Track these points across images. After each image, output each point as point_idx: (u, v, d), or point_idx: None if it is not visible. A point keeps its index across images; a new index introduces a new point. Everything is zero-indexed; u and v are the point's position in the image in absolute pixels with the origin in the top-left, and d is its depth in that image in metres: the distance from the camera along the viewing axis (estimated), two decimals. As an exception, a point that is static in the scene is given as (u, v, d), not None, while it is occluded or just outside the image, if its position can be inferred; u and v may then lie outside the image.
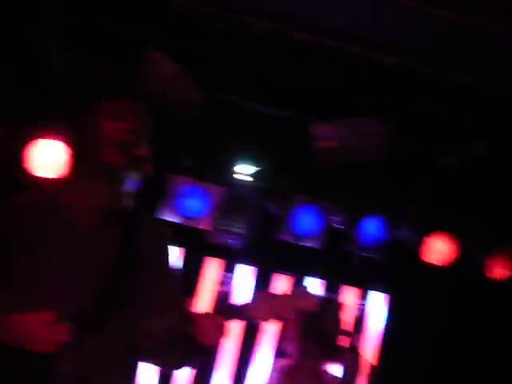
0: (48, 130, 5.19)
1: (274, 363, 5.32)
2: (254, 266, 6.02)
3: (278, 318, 2.80)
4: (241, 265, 6.01)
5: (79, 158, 2.94)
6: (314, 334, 4.95)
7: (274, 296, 2.78)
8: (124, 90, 3.06)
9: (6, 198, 2.95)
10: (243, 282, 6.01)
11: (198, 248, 5.83)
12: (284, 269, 6.11)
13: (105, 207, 2.87)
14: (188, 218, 5.62)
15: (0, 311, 2.78)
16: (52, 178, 3.07)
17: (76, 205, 2.86)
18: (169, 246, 3.01)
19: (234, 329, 5.68)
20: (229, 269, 6.04)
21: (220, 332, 2.74)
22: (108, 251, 2.80)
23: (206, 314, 2.80)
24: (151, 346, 2.83)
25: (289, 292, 2.81)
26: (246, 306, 2.75)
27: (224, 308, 2.84)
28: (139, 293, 2.75)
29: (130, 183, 2.91)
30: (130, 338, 2.82)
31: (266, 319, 2.78)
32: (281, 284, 6.07)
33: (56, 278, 2.76)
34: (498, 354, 6.47)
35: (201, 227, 5.73)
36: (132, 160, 2.81)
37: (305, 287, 2.80)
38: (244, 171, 5.74)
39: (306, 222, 5.90)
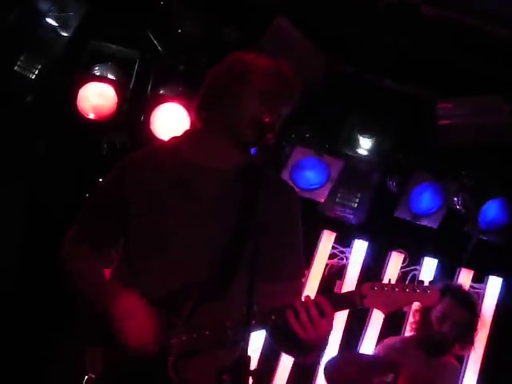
0: (172, 94, 5.26)
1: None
2: (368, 241, 5.93)
3: (394, 310, 2.71)
4: (355, 240, 5.93)
5: (210, 124, 2.89)
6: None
7: (393, 288, 2.67)
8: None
9: (121, 160, 2.97)
10: (357, 257, 5.94)
11: (313, 220, 5.79)
12: (399, 246, 6.00)
13: (229, 171, 2.84)
14: (305, 190, 5.58)
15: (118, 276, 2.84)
16: (173, 140, 3.04)
17: (200, 165, 2.84)
18: (296, 211, 2.94)
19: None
20: (343, 243, 5.98)
21: (322, 326, 2.63)
22: (230, 215, 2.76)
23: (314, 301, 2.67)
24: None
25: (408, 285, 2.69)
26: (359, 296, 2.66)
27: (336, 297, 2.76)
28: (261, 258, 2.67)
29: (254, 150, 2.87)
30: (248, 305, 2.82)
31: (382, 311, 2.69)
32: (396, 261, 5.97)
33: (174, 241, 2.77)
34: None
35: (318, 199, 5.68)
36: (263, 133, 2.75)
37: (423, 282, 2.68)
38: (364, 146, 5.65)
39: (425, 201, 5.78)
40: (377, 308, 2.67)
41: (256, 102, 2.78)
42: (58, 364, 2.80)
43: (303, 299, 2.67)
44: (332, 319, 2.65)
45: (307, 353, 2.73)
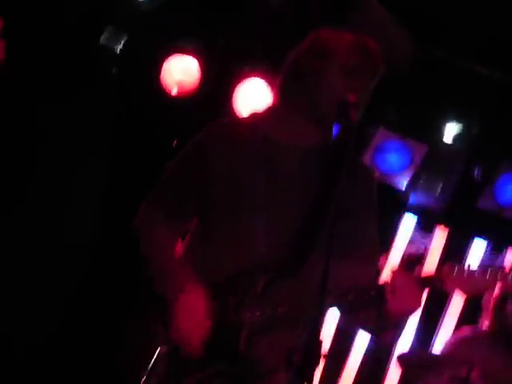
0: (253, 69, 5.24)
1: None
2: (449, 228, 5.83)
3: (474, 294, 2.69)
4: (437, 226, 5.83)
5: (291, 102, 2.86)
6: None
7: (474, 272, 2.62)
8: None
9: (205, 128, 2.97)
10: (438, 244, 5.83)
11: (395, 204, 5.72)
12: (483, 234, 5.88)
13: (311, 150, 2.83)
14: (386, 173, 5.50)
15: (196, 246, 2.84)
16: (254, 116, 3.02)
17: (281, 143, 2.83)
18: (374, 195, 2.91)
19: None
20: (423, 229, 5.89)
21: (415, 299, 2.63)
22: (309, 194, 2.76)
23: (406, 273, 2.69)
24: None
25: (490, 270, 2.63)
26: (439, 277, 2.64)
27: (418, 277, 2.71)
28: (337, 240, 2.63)
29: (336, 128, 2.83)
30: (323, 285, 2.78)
31: (463, 292, 2.66)
32: (478, 250, 5.85)
33: (252, 217, 2.78)
34: None
35: (398, 184, 5.59)
36: (346, 111, 2.69)
37: (504, 268, 2.63)
38: (450, 132, 5.53)
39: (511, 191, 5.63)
40: (457, 289, 2.65)
41: (339, 79, 2.75)
42: (133, 336, 2.83)
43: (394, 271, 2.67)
44: (421, 294, 2.64)
45: (386, 329, 2.73)
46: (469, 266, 2.61)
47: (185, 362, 2.65)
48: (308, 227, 2.74)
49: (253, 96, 5.17)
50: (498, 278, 2.59)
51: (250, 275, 2.71)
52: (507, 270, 2.61)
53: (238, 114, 5.19)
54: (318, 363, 2.27)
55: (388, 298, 2.58)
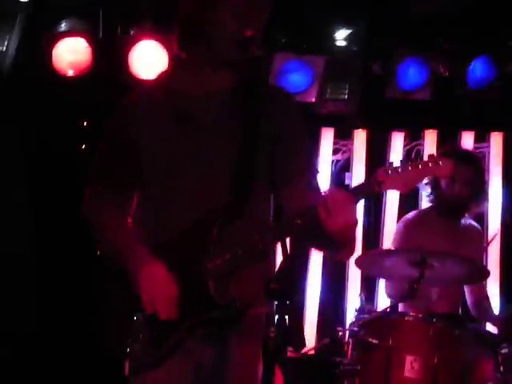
0: (143, 32, 5.25)
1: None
2: (367, 128, 6.00)
3: (412, 188, 2.66)
4: (355, 130, 6.00)
5: (193, 52, 2.89)
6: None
7: (407, 167, 2.62)
8: None
9: (117, 103, 3.00)
10: (360, 147, 6.01)
11: (310, 120, 5.81)
12: (399, 125, 6.07)
13: (225, 92, 2.87)
14: (294, 93, 5.59)
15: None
16: (162, 75, 3.07)
17: (194, 94, 2.87)
18: (299, 115, 2.96)
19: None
20: (343, 136, 6.05)
21: (350, 214, 2.60)
22: (236, 133, 2.80)
23: (336, 190, 2.68)
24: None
25: (420, 162, 2.63)
26: (376, 182, 2.63)
27: (354, 189, 2.72)
28: (275, 166, 2.76)
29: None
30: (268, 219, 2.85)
31: (401, 191, 2.67)
32: (398, 141, 6.06)
33: (187, 172, 2.83)
34: None
35: (308, 100, 5.72)
36: (247, 47, 2.73)
37: (435, 157, 2.66)
38: (341, 36, 5.66)
39: (412, 76, 5.81)
40: (396, 189, 2.67)
41: (232, 18, 2.78)
42: (109, 303, 2.91)
43: (325, 192, 2.68)
44: (355, 208, 2.65)
45: (339, 248, 2.75)
46: (401, 163, 2.63)
47: (163, 325, 2.72)
48: (244, 164, 2.79)
49: (148, 58, 5.18)
50: (429, 164, 2.62)
51: (200, 228, 2.77)
52: (433, 155, 2.67)
53: (137, 78, 5.21)
54: (296, 285, 2.39)
55: (322, 218, 2.57)
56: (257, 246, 2.74)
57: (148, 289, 2.74)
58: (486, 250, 5.80)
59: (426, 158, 2.66)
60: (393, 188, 2.65)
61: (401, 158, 5.91)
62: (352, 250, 2.86)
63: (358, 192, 2.68)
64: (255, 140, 2.78)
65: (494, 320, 5.14)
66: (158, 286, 2.73)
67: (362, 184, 2.73)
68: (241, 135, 2.81)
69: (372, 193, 2.68)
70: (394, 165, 2.64)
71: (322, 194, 2.68)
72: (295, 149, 2.88)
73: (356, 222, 2.65)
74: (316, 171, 2.98)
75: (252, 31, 2.74)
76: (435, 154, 2.64)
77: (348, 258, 2.48)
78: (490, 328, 5.29)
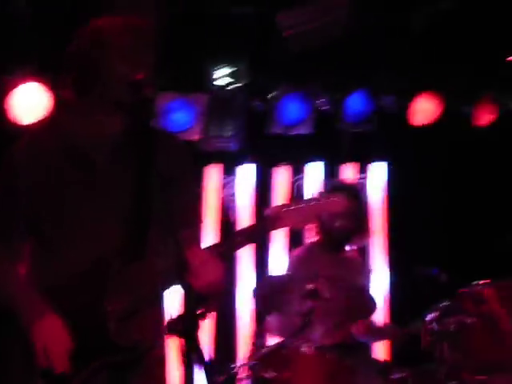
0: (26, 74, 5.15)
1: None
2: (252, 164, 6.09)
3: (306, 224, 2.79)
4: (239, 165, 6.07)
5: (86, 94, 2.87)
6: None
7: (299, 204, 2.72)
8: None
9: (5, 153, 2.94)
10: (246, 183, 6.10)
11: (197, 157, 5.84)
12: (283, 160, 6.19)
13: (118, 135, 2.88)
14: (178, 132, 5.63)
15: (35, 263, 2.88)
16: (51, 119, 3.04)
17: (87, 137, 2.86)
18: (189, 158, 3.02)
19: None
20: (230, 172, 6.11)
21: (213, 274, 2.69)
22: (128, 177, 2.82)
23: (201, 251, 2.76)
24: None
25: (311, 198, 2.76)
26: (271, 220, 2.71)
27: (248, 231, 2.80)
28: (167, 210, 2.78)
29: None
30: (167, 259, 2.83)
31: (295, 227, 2.77)
32: (283, 176, 6.16)
33: (82, 215, 2.81)
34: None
35: (193, 138, 5.76)
36: (140, 89, 2.74)
37: (325, 193, 2.74)
38: (223, 74, 5.73)
39: (293, 111, 5.94)
40: (291, 226, 2.78)
41: (121, 61, 2.79)
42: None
43: (191, 250, 2.71)
44: (220, 267, 2.73)
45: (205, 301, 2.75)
46: (293, 200, 2.74)
47: (60, 377, 2.69)
48: (137, 208, 2.80)
49: (28, 101, 5.09)
50: (320, 202, 2.74)
51: (99, 269, 2.76)
52: (324, 192, 2.75)
53: (17, 122, 5.10)
54: (199, 323, 2.41)
55: (188, 278, 2.60)
56: (157, 288, 2.77)
57: (42, 342, 2.70)
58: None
59: (317, 195, 2.76)
60: (288, 225, 2.74)
61: (286, 191, 6.03)
62: (218, 303, 2.88)
63: (253, 234, 2.76)
64: (149, 182, 2.79)
65: (387, 335, 5.24)
66: (52, 339, 2.70)
67: (258, 224, 2.82)
68: (135, 178, 2.81)
69: (268, 230, 2.75)
70: (289, 202, 2.73)
71: (191, 252, 2.68)
72: (188, 196, 2.94)
73: (220, 281, 2.73)
74: (201, 220, 3.03)
75: (142, 74, 2.76)
76: (324, 191, 2.73)
77: (214, 310, 2.52)
78: (381, 354, 5.41)
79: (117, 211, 2.82)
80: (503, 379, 4.57)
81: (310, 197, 2.78)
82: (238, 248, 2.82)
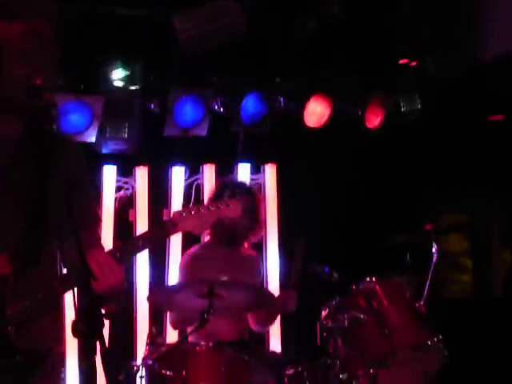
0: None
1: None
2: (148, 165, 6.13)
3: (205, 229, 2.89)
4: (136, 167, 6.10)
5: None
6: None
7: (199, 209, 2.80)
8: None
9: None
10: (142, 184, 6.13)
11: (92, 160, 5.84)
12: (178, 161, 6.25)
13: (19, 140, 2.88)
14: (74, 134, 5.61)
15: None
16: None
17: None
18: (83, 160, 3.06)
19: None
20: (125, 174, 6.13)
21: (112, 277, 2.74)
22: (27, 181, 2.83)
23: (100, 255, 2.78)
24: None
25: (211, 204, 2.85)
26: (171, 224, 2.77)
27: (149, 233, 2.86)
28: (63, 214, 2.77)
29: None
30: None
31: (195, 232, 2.84)
32: (178, 177, 6.23)
33: None
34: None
35: (88, 140, 5.76)
36: (39, 94, 2.75)
37: (224, 198, 2.82)
38: (118, 77, 5.76)
39: (189, 113, 6.01)
40: (190, 230, 2.84)
41: (20, 66, 2.81)
42: None
43: (91, 252, 2.75)
44: (120, 270, 2.78)
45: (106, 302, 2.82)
46: (194, 205, 2.82)
47: None
48: (34, 214, 2.82)
49: None
50: (220, 207, 2.84)
51: None
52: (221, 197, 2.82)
53: None
54: (103, 322, 2.47)
55: (88, 280, 2.61)
56: (56, 291, 2.80)
57: None
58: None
59: (216, 201, 2.87)
60: (187, 229, 2.82)
61: (181, 192, 6.10)
62: (121, 303, 2.96)
63: (153, 238, 2.82)
64: (47, 187, 2.82)
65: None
66: None
67: (158, 228, 2.86)
68: (32, 183, 2.83)
69: (169, 234, 2.83)
70: (190, 207, 2.81)
71: (91, 255, 2.72)
72: (84, 198, 2.97)
73: (120, 283, 2.79)
74: (100, 219, 3.06)
75: (41, 78, 2.77)
76: (223, 196, 2.82)
77: (115, 311, 2.59)
78: (276, 349, 5.51)
79: (14, 217, 2.82)
80: (392, 372, 4.78)
81: (209, 202, 2.85)
82: (138, 252, 2.87)
